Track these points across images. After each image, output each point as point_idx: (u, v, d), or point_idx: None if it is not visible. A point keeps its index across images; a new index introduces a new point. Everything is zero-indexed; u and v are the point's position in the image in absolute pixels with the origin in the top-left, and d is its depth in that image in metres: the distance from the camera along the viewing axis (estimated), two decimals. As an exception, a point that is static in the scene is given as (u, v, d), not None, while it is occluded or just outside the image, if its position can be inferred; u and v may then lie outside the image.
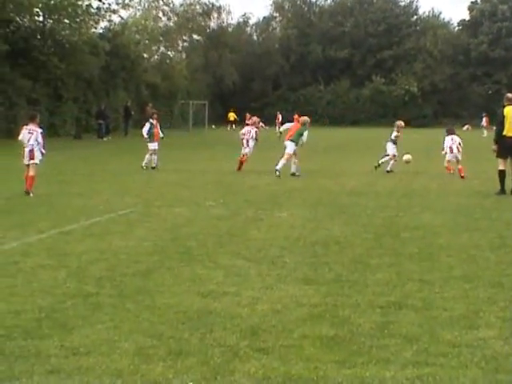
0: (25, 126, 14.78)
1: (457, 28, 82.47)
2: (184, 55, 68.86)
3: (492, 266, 7.87)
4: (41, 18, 42.77)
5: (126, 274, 7.38)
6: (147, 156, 21.04)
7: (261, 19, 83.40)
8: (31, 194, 14.09)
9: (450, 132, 20.42)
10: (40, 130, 14.78)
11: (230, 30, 77.79)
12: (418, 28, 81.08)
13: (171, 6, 65.24)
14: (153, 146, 21.16)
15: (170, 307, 6.14)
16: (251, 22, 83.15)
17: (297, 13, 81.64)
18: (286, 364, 4.81)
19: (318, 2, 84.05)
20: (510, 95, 15.31)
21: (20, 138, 14.73)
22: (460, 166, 19.07)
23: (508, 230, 10.33)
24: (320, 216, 11.73)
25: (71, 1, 41.61)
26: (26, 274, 7.38)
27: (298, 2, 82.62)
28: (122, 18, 51.41)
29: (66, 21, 42.73)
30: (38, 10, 41.53)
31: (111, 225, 10.70)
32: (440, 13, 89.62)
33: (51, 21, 43.02)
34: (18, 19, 41.09)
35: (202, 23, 72.12)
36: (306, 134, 19.58)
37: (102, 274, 7.36)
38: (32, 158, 14.44)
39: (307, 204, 13.30)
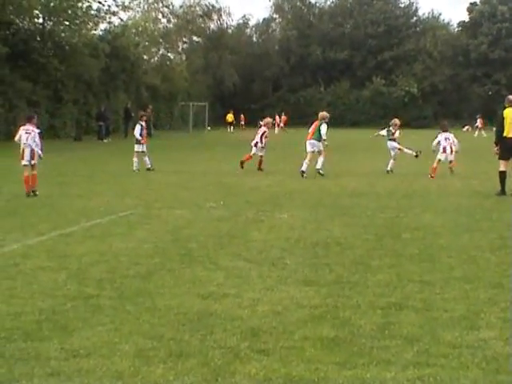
0: (22, 127, 14.85)
1: (456, 29, 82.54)
2: (184, 57, 68.88)
3: (492, 266, 7.87)
4: (40, 20, 42.80)
5: (126, 275, 7.37)
6: (135, 159, 20.84)
7: (261, 21, 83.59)
8: (37, 193, 14.29)
9: (444, 129, 20.18)
10: (38, 131, 14.83)
11: (229, 31, 77.78)
12: (417, 29, 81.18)
13: (171, 7, 65.40)
14: (140, 148, 21.02)
15: (171, 309, 6.13)
16: (251, 23, 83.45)
17: (296, 14, 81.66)
18: (287, 365, 4.80)
19: (317, 4, 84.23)
20: (511, 97, 15.31)
21: (16, 138, 14.83)
22: (452, 164, 19.29)
23: (508, 231, 10.32)
24: (320, 217, 11.73)
25: (71, 3, 41.64)
26: (27, 275, 7.37)
27: (298, 4, 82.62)
28: (121, 20, 51.46)
29: (66, 23, 42.75)
30: (37, 12, 41.57)
31: (112, 226, 10.69)
32: (440, 14, 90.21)
33: (51, 23, 43.04)
34: (17, 21, 41.14)
35: (202, 25, 72.11)
36: (323, 127, 19.51)
37: (102, 275, 7.36)
38: (33, 157, 14.59)
39: (308, 205, 13.29)
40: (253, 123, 63.18)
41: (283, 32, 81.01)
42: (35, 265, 7.86)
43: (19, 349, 5.11)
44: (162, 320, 5.83)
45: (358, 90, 76.40)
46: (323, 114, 20.25)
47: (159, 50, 63.47)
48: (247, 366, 4.80)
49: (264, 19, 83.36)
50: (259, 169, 21.08)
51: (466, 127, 59.04)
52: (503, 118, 15.01)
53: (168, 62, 62.13)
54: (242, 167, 20.89)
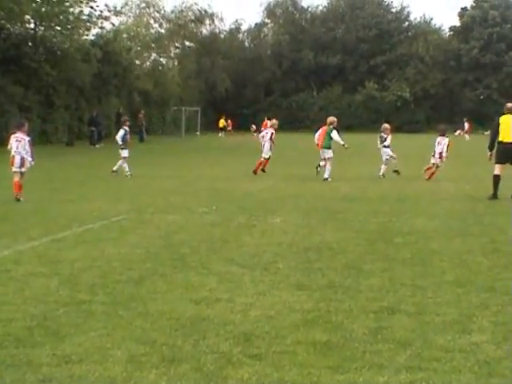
0: (13, 135, 14.96)
1: (448, 34, 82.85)
2: (176, 62, 68.87)
3: (484, 270, 7.89)
4: (32, 25, 42.67)
5: (118, 281, 7.35)
6: (125, 165, 20.75)
7: (253, 25, 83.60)
8: (21, 199, 14.25)
9: (440, 133, 20.26)
10: (28, 138, 14.96)
11: (222, 36, 77.85)
12: (409, 34, 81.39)
13: (162, 12, 65.39)
14: (126, 153, 21.00)
15: (163, 314, 6.12)
16: (243, 28, 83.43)
17: (288, 19, 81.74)
18: (280, 370, 4.79)
19: (309, 8, 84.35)
20: (510, 105, 15.48)
21: (9, 147, 15.00)
22: (433, 170, 19.27)
23: (500, 235, 10.36)
24: (313, 222, 11.74)
25: (62, 8, 41.55)
26: (18, 281, 7.33)
27: (290, 9, 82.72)
28: (113, 25, 51.34)
29: (58, 28, 42.65)
30: (29, 17, 41.43)
31: (104, 232, 10.66)
32: (431, 19, 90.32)
33: (42, 28, 42.94)
34: (8, 26, 41.00)
35: (194, 30, 72.18)
36: (335, 134, 19.60)
37: (94, 281, 7.33)
38: (23, 165, 14.68)
39: (300, 210, 13.31)
40: (243, 127, 63.32)
41: (275, 37, 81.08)
42: (27, 271, 7.82)
43: (10, 355, 5.08)
44: (154, 325, 5.81)
45: (351, 95, 76.52)
46: (331, 118, 20.25)
47: (151, 55, 63.43)
48: (240, 370, 4.79)
49: (256, 24, 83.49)
50: (263, 170, 21.58)
51: (458, 131, 59.36)
52: (499, 124, 15.19)
53: (160, 67, 62.11)
54: (264, 171, 21.60)
